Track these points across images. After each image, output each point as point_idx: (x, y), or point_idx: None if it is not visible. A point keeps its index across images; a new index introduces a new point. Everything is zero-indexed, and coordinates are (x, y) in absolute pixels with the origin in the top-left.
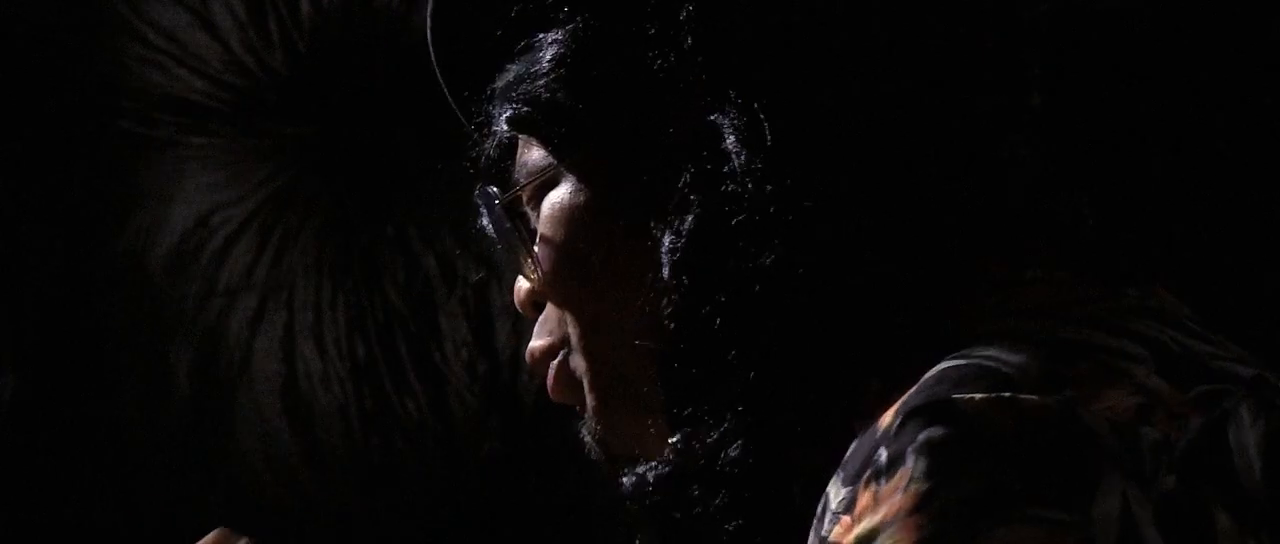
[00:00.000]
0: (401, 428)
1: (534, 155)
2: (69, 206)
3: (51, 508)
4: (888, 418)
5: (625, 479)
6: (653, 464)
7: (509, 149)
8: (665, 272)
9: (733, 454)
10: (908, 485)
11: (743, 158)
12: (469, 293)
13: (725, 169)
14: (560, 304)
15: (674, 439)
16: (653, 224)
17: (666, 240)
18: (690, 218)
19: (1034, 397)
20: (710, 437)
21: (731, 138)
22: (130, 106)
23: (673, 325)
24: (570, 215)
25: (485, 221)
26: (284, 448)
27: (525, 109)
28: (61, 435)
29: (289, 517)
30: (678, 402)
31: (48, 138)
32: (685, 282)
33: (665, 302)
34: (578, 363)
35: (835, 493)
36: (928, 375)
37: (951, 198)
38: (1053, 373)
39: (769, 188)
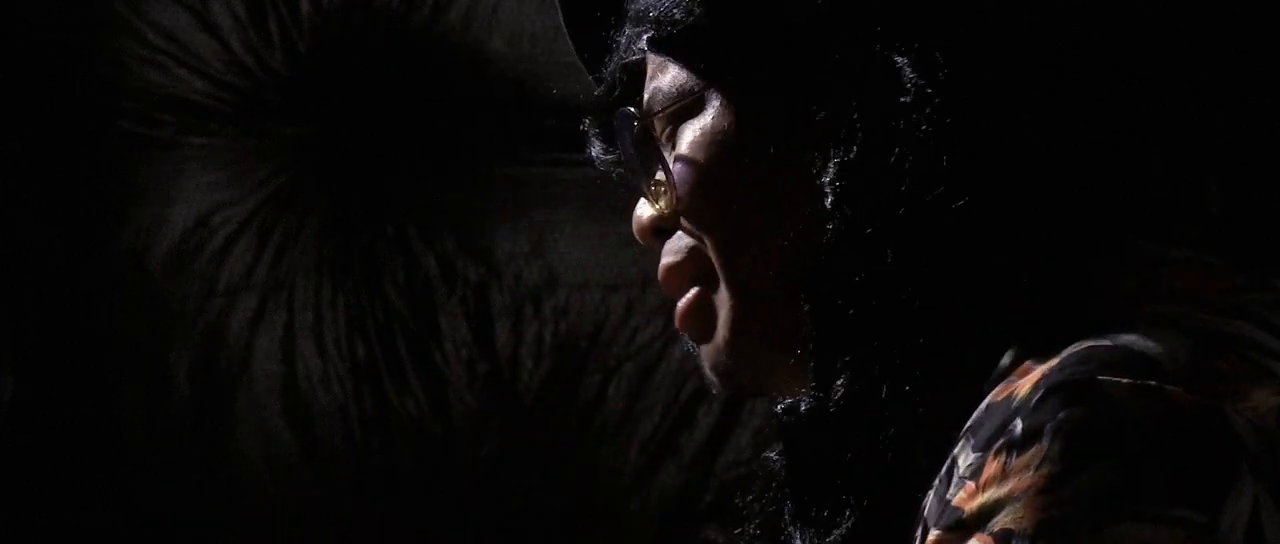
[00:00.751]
0: (401, 428)
1: (670, 80)
2: (69, 206)
3: (51, 508)
4: (1026, 388)
5: (778, 407)
6: (806, 397)
7: (637, 75)
8: (828, 202)
9: (881, 405)
10: (1040, 464)
11: (915, 93)
12: (469, 293)
13: (897, 103)
14: (701, 231)
15: (830, 379)
16: (806, 154)
17: (831, 170)
18: (856, 149)
19: (1181, 389)
20: (857, 382)
21: (907, 71)
22: (130, 106)
23: (829, 259)
24: (716, 141)
25: (618, 145)
26: (284, 448)
27: (670, 29)
28: (61, 435)
29: (289, 517)
30: (831, 337)
31: (48, 138)
32: (849, 214)
33: (822, 234)
34: (721, 295)
35: (964, 457)
36: (1071, 351)
37: (1106, 167)
38: (1201, 365)
39: (940, 128)
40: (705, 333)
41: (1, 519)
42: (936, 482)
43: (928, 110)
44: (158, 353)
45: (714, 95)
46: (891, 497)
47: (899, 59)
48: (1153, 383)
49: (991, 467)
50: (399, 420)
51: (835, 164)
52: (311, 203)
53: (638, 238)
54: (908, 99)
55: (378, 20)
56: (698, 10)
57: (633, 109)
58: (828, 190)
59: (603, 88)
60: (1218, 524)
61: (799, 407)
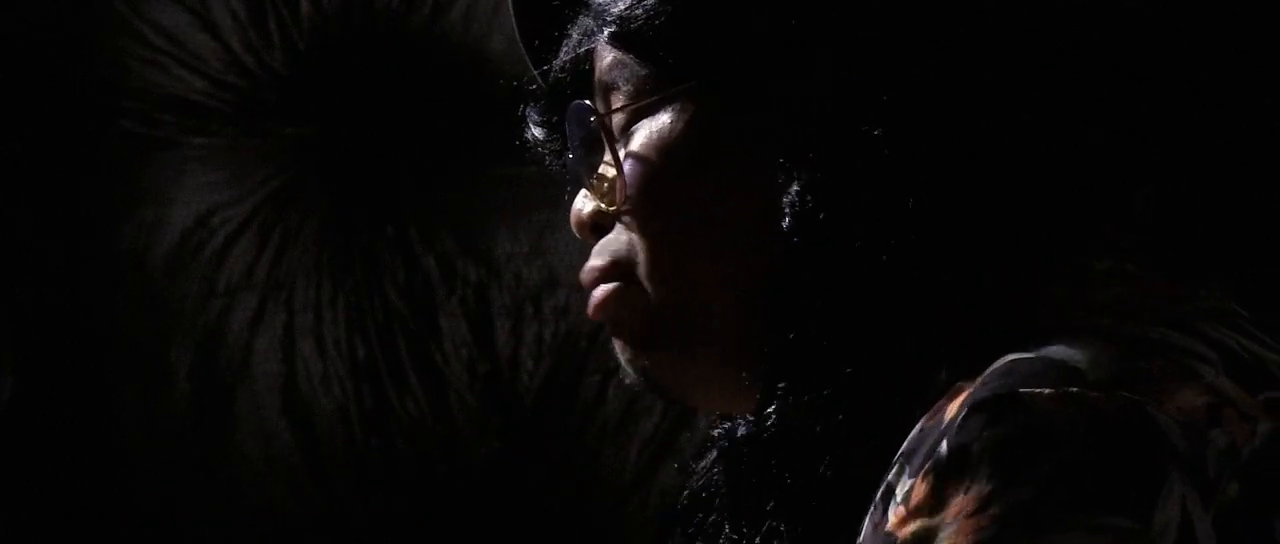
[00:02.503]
0: (401, 428)
1: (627, 76)
2: (69, 206)
3: (51, 508)
4: (953, 409)
5: (714, 432)
6: (741, 422)
7: (590, 69)
8: (786, 223)
9: (822, 429)
10: (970, 486)
11: (880, 121)
12: (469, 293)
13: (860, 128)
14: (644, 232)
15: (767, 405)
16: (762, 170)
17: (791, 190)
18: (810, 175)
19: (1104, 394)
20: (800, 406)
21: (872, 98)
22: (131, 107)
23: (783, 280)
24: (671, 144)
25: (568, 137)
26: (284, 448)
27: (634, 26)
28: (61, 435)
29: (289, 517)
30: (770, 356)
31: (48, 138)
32: (808, 237)
33: (770, 253)
34: (646, 294)
35: (899, 482)
36: (995, 367)
37: (1035, 187)
38: (1125, 370)
39: (898, 156)
40: (626, 327)
41: (1, 519)
42: (872, 507)
43: (888, 138)
44: (158, 353)
45: (675, 97)
46: (829, 522)
47: (864, 85)
48: (1075, 390)
49: (921, 490)
50: (399, 420)
51: (798, 185)
52: (311, 203)
53: (575, 231)
54: (870, 126)
55: (378, 20)
56: (663, 9)
57: (590, 104)
58: (787, 211)
59: (551, 76)
60: (1150, 528)
61: (736, 430)
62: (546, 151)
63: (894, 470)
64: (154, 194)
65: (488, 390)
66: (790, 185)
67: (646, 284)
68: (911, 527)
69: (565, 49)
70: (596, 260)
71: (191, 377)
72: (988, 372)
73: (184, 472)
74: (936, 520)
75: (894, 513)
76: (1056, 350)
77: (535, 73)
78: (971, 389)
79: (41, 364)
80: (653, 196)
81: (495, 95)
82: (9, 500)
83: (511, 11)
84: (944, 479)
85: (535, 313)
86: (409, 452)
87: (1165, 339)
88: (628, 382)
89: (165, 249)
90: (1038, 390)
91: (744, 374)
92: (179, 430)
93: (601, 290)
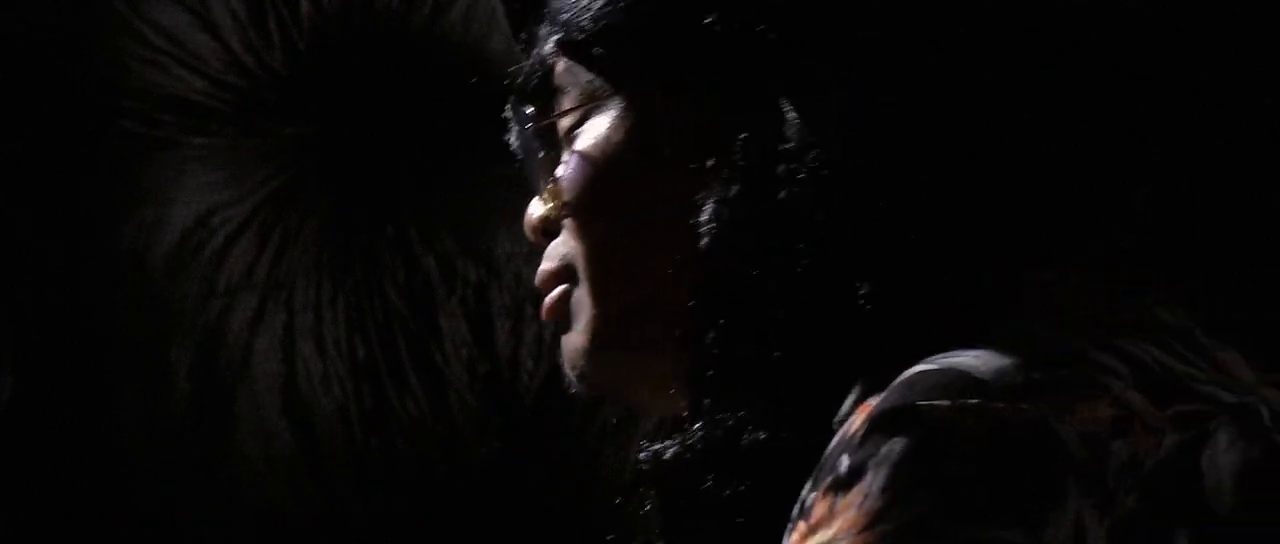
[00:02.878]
0: (401, 428)
1: (577, 81)
2: (69, 206)
3: (51, 508)
4: (857, 423)
5: (641, 455)
6: (669, 443)
7: (549, 73)
8: (703, 238)
9: (751, 443)
10: (863, 501)
11: (803, 137)
12: (469, 293)
13: (783, 144)
14: (578, 235)
15: (695, 419)
16: (692, 178)
17: (711, 204)
18: (737, 186)
19: (1005, 404)
20: (729, 420)
21: (794, 114)
22: (131, 107)
23: (700, 293)
24: (609, 147)
25: (514, 141)
26: (284, 448)
27: (578, 33)
28: (61, 435)
29: (289, 517)
30: (698, 372)
31: (48, 138)
32: (722, 250)
33: (691, 261)
34: (582, 296)
35: (807, 496)
36: (899, 379)
37: (964, 199)
38: (1029, 380)
39: (822, 173)
40: (567, 329)
41: (1, 519)
42: (789, 524)
43: (809, 158)
44: (158, 353)
45: (616, 104)
46: (758, 538)
47: (790, 103)
48: (974, 402)
49: (820, 507)
50: (399, 420)
51: (715, 199)
52: (311, 203)
53: (527, 235)
54: (792, 145)
55: (378, 20)
56: (605, 17)
57: (531, 108)
58: (705, 224)
59: (519, 80)
60: (1041, 541)
61: (663, 453)
62: (514, 151)
63: (808, 485)
64: (154, 194)
65: (488, 390)
66: (718, 194)
67: (586, 288)
68: (809, 543)
69: (529, 55)
70: (546, 264)
71: (191, 377)
72: (892, 384)
73: (184, 472)
74: (829, 536)
75: (796, 530)
76: (962, 360)
77: (513, 74)
78: (875, 403)
79: (41, 364)
80: (591, 201)
81: (495, 95)
82: (9, 500)
83: (504, 14)
84: (839, 495)
85: (535, 313)
86: (409, 452)
87: (1075, 351)
88: (572, 391)
89: (165, 249)
90: (936, 403)
91: (658, 374)
92: (179, 430)
93: (552, 295)
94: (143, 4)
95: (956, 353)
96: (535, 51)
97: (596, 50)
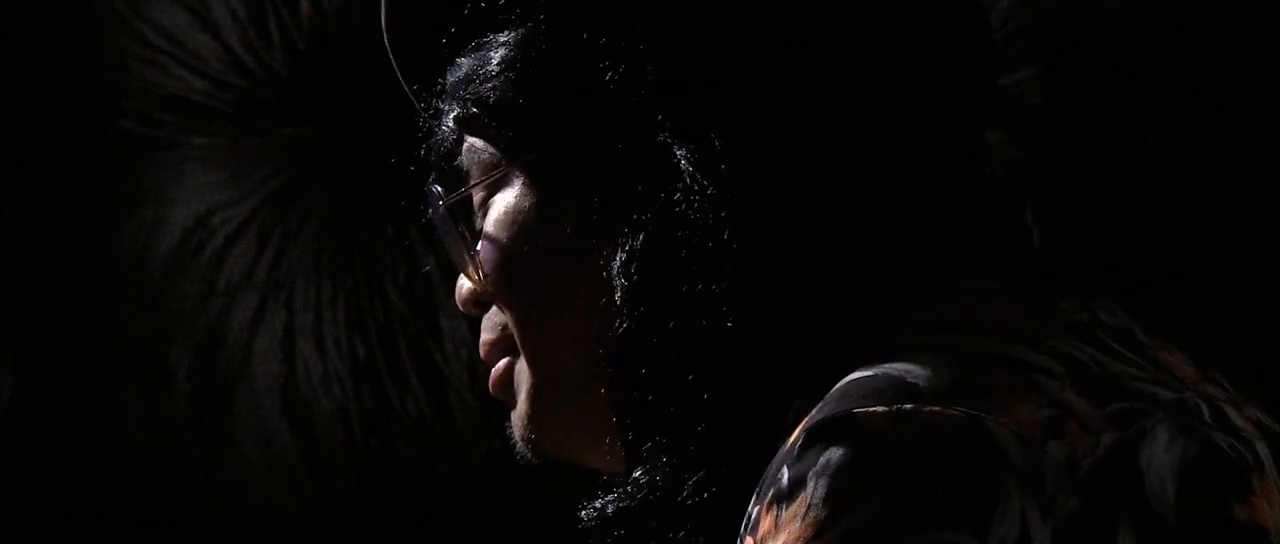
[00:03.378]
0: (401, 428)
1: (484, 156)
2: (69, 206)
3: (51, 508)
4: (795, 434)
5: (584, 513)
6: (611, 497)
7: (458, 145)
8: (616, 294)
9: (692, 485)
10: (807, 512)
11: (694, 180)
12: None
13: (677, 190)
14: (502, 306)
15: (633, 471)
16: (599, 237)
17: (618, 259)
18: (640, 237)
19: (939, 408)
20: (667, 466)
21: (683, 160)
22: (131, 106)
23: (621, 346)
24: (516, 219)
25: (433, 216)
26: (284, 448)
27: (473, 109)
28: (61, 435)
29: (289, 517)
30: (629, 423)
31: (48, 138)
32: (634, 302)
33: (613, 318)
34: (521, 367)
35: (752, 510)
36: (835, 388)
37: (888, 218)
38: (963, 383)
39: (719, 213)
40: (512, 401)
41: (1, 519)
42: (737, 539)
43: (704, 199)
44: (158, 353)
45: (517, 174)
46: None
47: (678, 150)
48: (909, 407)
49: (765, 522)
50: (399, 420)
51: (621, 253)
52: (311, 203)
53: (461, 309)
54: (687, 185)
55: (378, 20)
56: (496, 91)
57: (438, 188)
58: (616, 280)
59: (427, 151)
60: (987, 542)
61: (606, 508)
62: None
63: (753, 500)
64: (154, 194)
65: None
66: (624, 249)
67: (524, 358)
68: None
69: (427, 127)
70: (486, 335)
71: (191, 377)
72: (828, 394)
73: (184, 472)
74: None
75: None
76: (896, 367)
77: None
78: (811, 413)
79: (41, 364)
80: (510, 275)
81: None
82: (9, 500)
83: (392, 62)
84: (782, 507)
85: None
86: (409, 452)
87: (1009, 354)
88: (521, 460)
89: (165, 249)
90: (872, 409)
91: (599, 431)
92: (179, 430)
93: (495, 371)
94: (143, 4)
95: (889, 360)
96: (440, 126)
97: (492, 124)
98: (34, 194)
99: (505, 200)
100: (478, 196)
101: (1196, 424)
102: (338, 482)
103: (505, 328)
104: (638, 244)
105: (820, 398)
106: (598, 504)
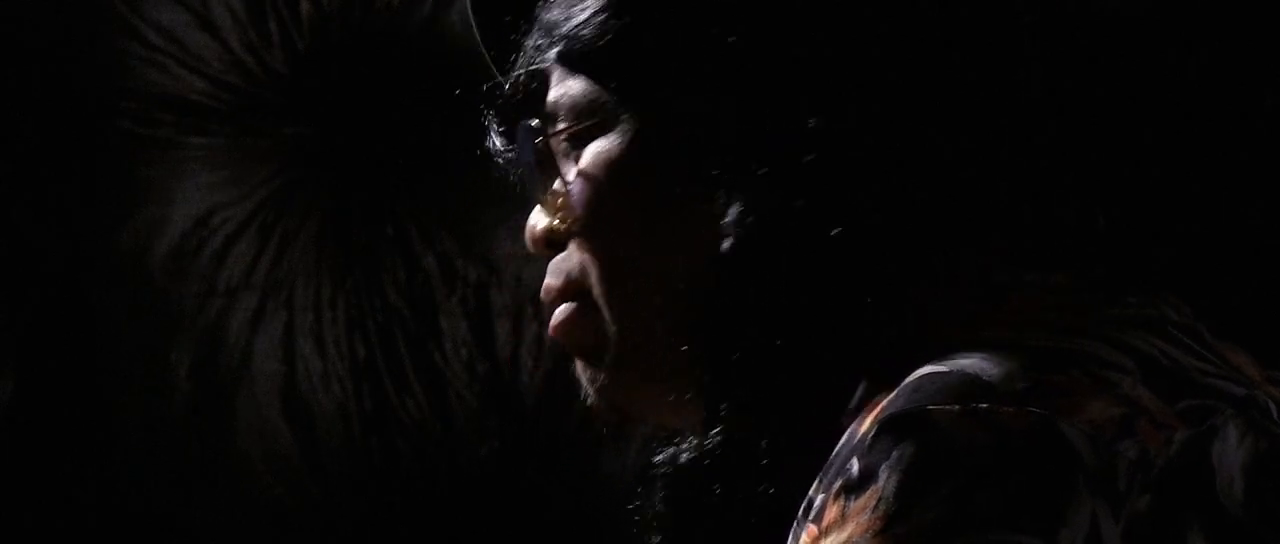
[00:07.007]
0: (401, 428)
1: (577, 94)
2: (69, 206)
3: (51, 508)
4: (866, 424)
5: (658, 459)
6: (685, 446)
7: (544, 85)
8: (726, 245)
9: (769, 444)
10: (877, 505)
11: (812, 139)
12: (469, 293)
13: (794, 148)
14: (591, 251)
15: (712, 425)
16: (705, 191)
17: (735, 210)
18: (744, 194)
19: (1012, 408)
20: (745, 425)
21: (805, 117)
22: (130, 106)
23: (716, 299)
24: (618, 164)
25: (518, 156)
26: (284, 448)
27: (581, 46)
28: (61, 435)
29: (289, 517)
30: (717, 379)
31: (48, 138)
32: (747, 257)
33: (712, 274)
34: (601, 316)
35: (816, 497)
36: (907, 382)
37: (970, 210)
38: (1036, 383)
39: (831, 176)
40: (584, 349)
41: (1, 519)
42: (796, 521)
43: (818, 157)
44: (158, 353)
45: (623, 116)
46: (771, 539)
47: (799, 104)
48: (984, 407)
49: (832, 510)
50: (399, 420)
51: (735, 208)
52: (311, 203)
53: (530, 247)
54: (800, 147)
55: (378, 20)
56: (611, 30)
57: (536, 124)
58: (729, 232)
59: (507, 89)
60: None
61: (678, 456)
62: (506, 163)
63: (815, 484)
64: (154, 194)
65: (488, 390)
66: (728, 206)
67: (600, 304)
68: None
69: (519, 63)
70: (552, 280)
71: (191, 377)
72: (901, 386)
73: (184, 472)
74: (842, 538)
75: (806, 532)
76: (970, 363)
77: (493, 81)
78: (883, 404)
79: (41, 364)
80: (600, 217)
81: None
82: (9, 500)
83: (472, 20)
84: (851, 498)
85: (535, 313)
86: (409, 452)
87: (1081, 350)
88: (588, 403)
89: (165, 249)
90: (946, 407)
91: (678, 388)
92: (179, 430)
93: (559, 312)
94: (143, 4)
95: (963, 354)
96: (525, 62)
97: (602, 65)
98: (34, 194)
99: (607, 143)
100: (567, 137)
101: (1266, 422)
102: (338, 482)
103: (570, 276)
104: (752, 198)
105: (887, 380)
106: (670, 452)
